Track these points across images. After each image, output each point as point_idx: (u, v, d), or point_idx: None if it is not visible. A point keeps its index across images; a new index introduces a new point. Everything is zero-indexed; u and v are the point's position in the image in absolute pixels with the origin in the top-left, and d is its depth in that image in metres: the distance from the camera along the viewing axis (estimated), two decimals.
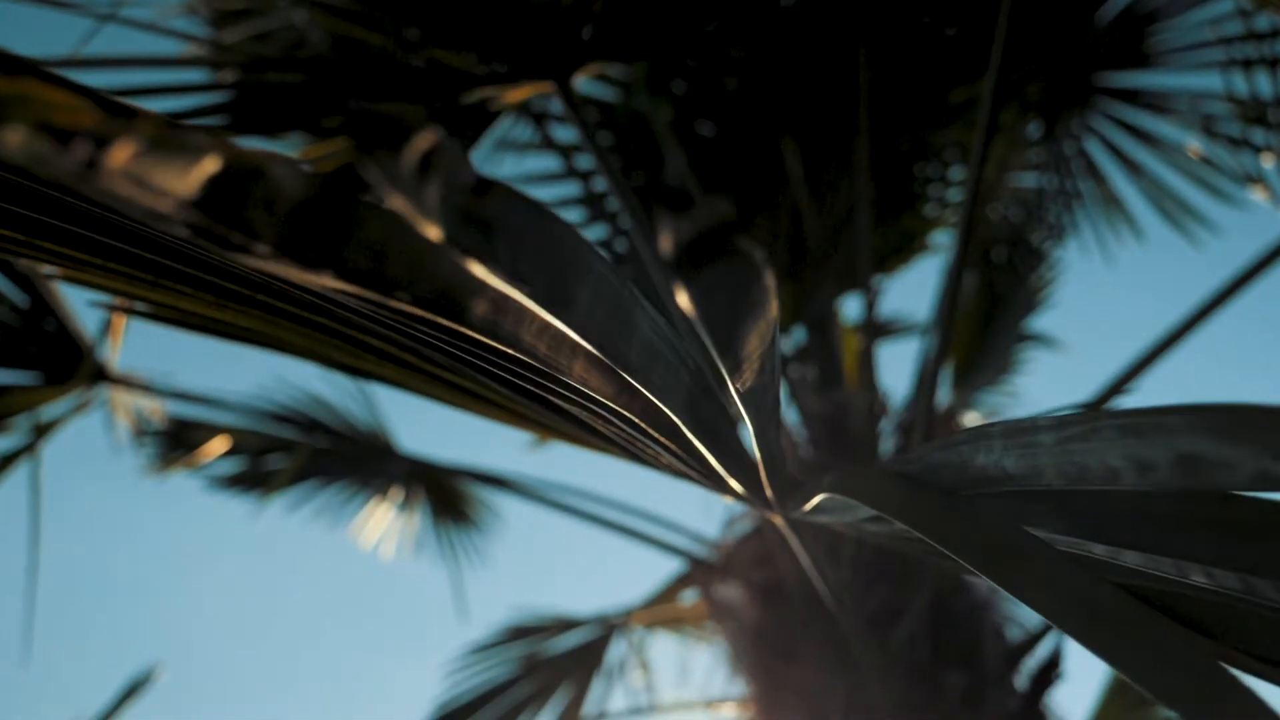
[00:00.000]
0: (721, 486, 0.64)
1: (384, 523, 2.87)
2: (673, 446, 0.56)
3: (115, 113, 0.23)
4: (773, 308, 0.35)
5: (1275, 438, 0.28)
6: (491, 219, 0.27)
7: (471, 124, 1.33)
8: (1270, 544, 0.33)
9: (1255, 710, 0.30)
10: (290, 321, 0.58)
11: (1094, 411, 0.36)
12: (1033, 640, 1.65)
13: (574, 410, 0.54)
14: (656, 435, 0.54)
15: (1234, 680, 0.31)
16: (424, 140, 0.23)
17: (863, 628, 1.57)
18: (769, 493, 0.61)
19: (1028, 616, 1.73)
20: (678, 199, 0.23)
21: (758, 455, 0.53)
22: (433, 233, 0.26)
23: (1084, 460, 0.36)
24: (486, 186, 0.27)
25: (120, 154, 0.23)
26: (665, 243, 0.25)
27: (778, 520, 0.70)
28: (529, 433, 0.68)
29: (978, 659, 1.57)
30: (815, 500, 0.58)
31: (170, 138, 0.24)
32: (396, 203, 0.25)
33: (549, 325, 0.39)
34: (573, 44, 1.20)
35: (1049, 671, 1.58)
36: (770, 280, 0.31)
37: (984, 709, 1.51)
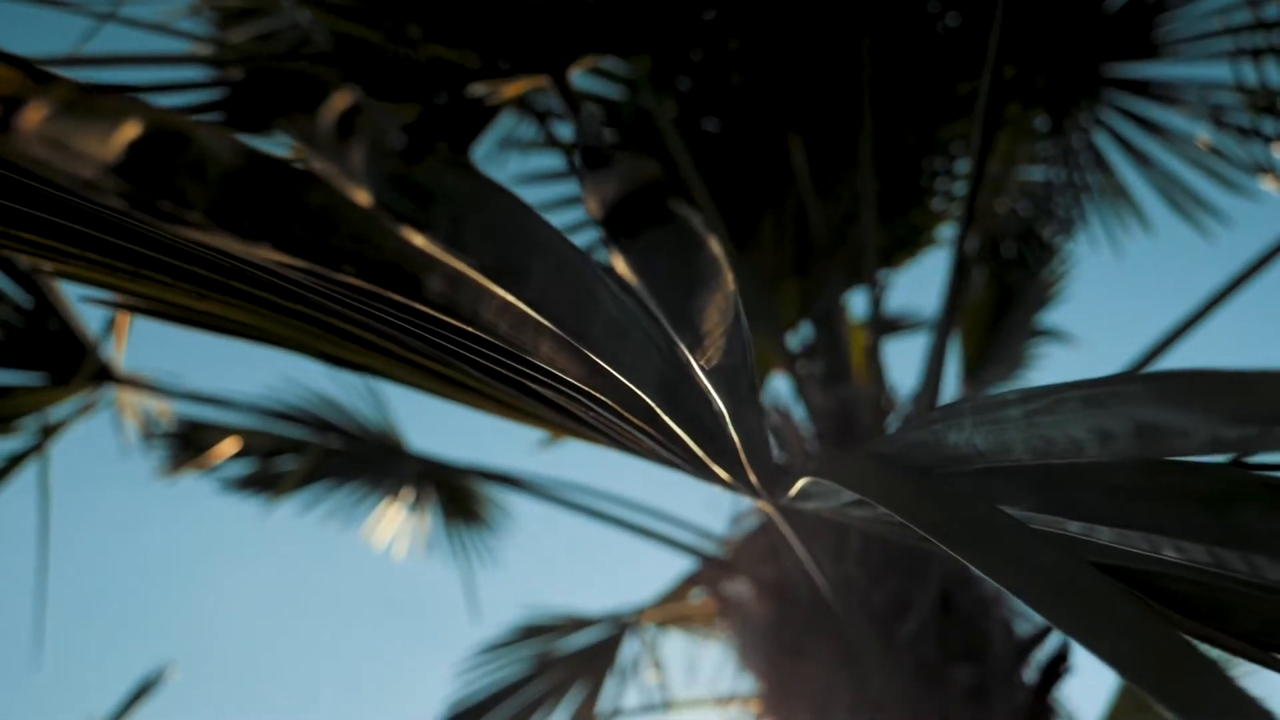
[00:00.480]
0: (706, 473, 0.64)
1: (396, 523, 2.88)
2: (652, 431, 0.56)
3: (33, 77, 0.23)
4: (728, 279, 0.34)
5: (1226, 402, 0.28)
6: (428, 186, 0.27)
7: (472, 120, 1.33)
8: (1232, 514, 0.33)
9: (1220, 684, 0.29)
10: (270, 310, 0.58)
11: (1059, 384, 0.35)
12: (1042, 634, 1.64)
13: (549, 394, 0.54)
14: (634, 420, 0.54)
15: (1201, 656, 0.31)
16: (341, 99, 0.23)
17: (869, 622, 1.56)
18: (754, 479, 0.61)
19: None
20: (598, 157, 0.23)
21: (736, 440, 0.53)
22: (361, 197, 0.26)
23: (1049, 433, 0.36)
24: (421, 152, 0.26)
25: (33, 116, 0.23)
26: (592, 204, 0.24)
27: (766, 508, 0.70)
28: (510, 420, 0.68)
29: (986, 653, 1.56)
30: (799, 485, 0.57)
31: (87, 102, 0.23)
32: (318, 165, 0.25)
33: (509, 303, 0.38)
34: (566, 37, 1.20)
35: (1057, 665, 1.57)
36: (718, 247, 0.31)
37: (991, 704, 1.50)
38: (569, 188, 2.22)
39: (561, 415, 0.59)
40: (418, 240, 0.28)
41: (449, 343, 0.49)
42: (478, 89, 1.25)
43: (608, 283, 0.40)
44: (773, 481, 0.63)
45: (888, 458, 0.48)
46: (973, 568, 0.39)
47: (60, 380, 1.66)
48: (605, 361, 0.43)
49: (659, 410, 0.50)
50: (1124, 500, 0.37)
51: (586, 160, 0.23)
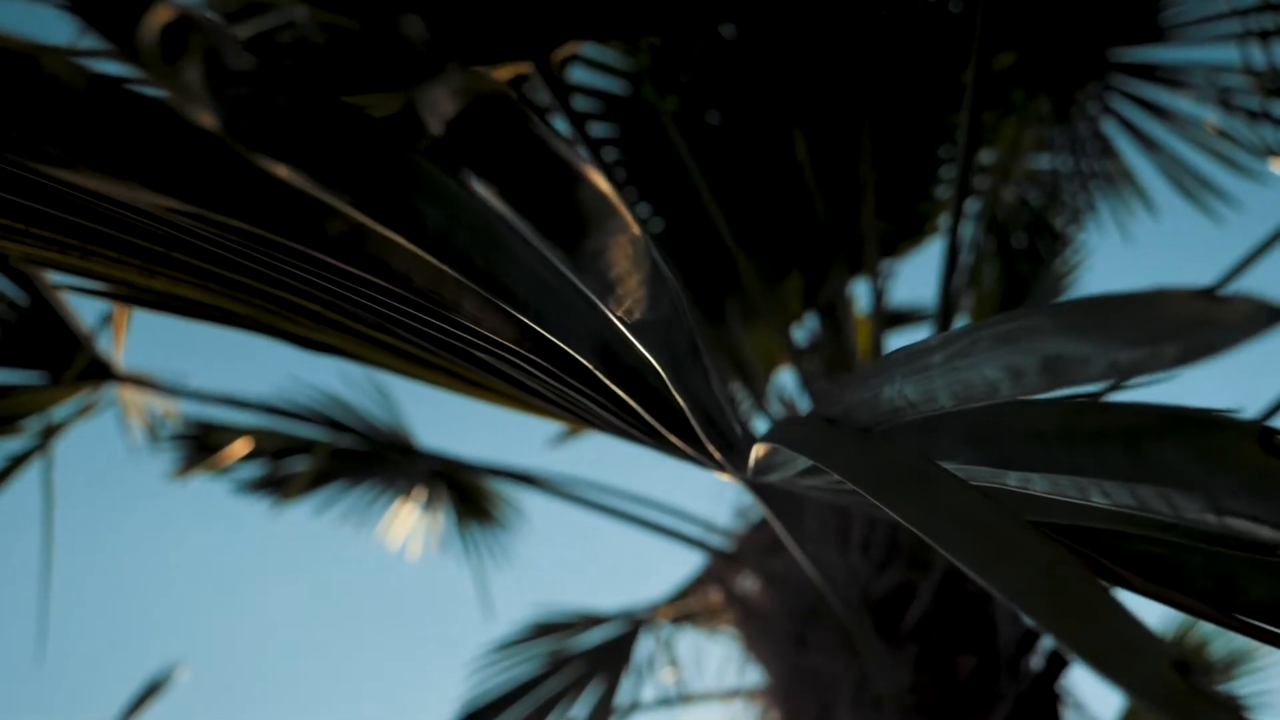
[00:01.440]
0: (665, 445, 0.63)
1: (409, 523, 2.88)
2: (601, 400, 0.55)
3: None
4: (628, 221, 0.33)
5: (1119, 326, 0.27)
6: (285, 113, 0.26)
7: None
8: (1142, 449, 0.32)
9: (1116, 617, 0.28)
10: (220, 284, 0.58)
11: (976, 324, 0.34)
12: None
13: (492, 361, 0.53)
14: (580, 387, 0.53)
15: (1100, 589, 0.30)
16: (164, 13, 0.22)
17: (872, 612, 1.54)
18: (712, 450, 0.59)
19: None
20: (424, 65, 0.22)
21: (683, 405, 0.52)
22: (206, 121, 0.25)
23: (968, 376, 0.35)
24: (281, 81, 0.25)
25: None
26: (434, 120, 0.24)
27: (734, 481, 0.69)
28: (463, 394, 0.67)
29: (990, 642, 1.54)
30: (754, 455, 0.56)
31: None
32: (155, 88, 0.24)
33: (418, 253, 0.37)
34: (548, 21, 1.19)
35: (1064, 653, 1.55)
36: (603, 183, 0.30)
37: (996, 693, 1.48)
38: None
39: (510, 385, 0.58)
40: (281, 172, 0.27)
41: (383, 306, 0.48)
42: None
43: (525, 234, 0.39)
44: (737, 453, 0.61)
45: (832, 419, 0.47)
46: (899, 519, 0.38)
47: (59, 379, 1.66)
48: (531, 320, 0.42)
49: (599, 374, 0.49)
50: (1047, 445, 0.37)
51: (416, 71, 0.22)
